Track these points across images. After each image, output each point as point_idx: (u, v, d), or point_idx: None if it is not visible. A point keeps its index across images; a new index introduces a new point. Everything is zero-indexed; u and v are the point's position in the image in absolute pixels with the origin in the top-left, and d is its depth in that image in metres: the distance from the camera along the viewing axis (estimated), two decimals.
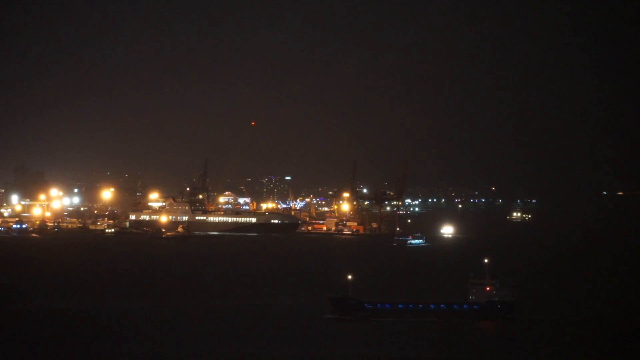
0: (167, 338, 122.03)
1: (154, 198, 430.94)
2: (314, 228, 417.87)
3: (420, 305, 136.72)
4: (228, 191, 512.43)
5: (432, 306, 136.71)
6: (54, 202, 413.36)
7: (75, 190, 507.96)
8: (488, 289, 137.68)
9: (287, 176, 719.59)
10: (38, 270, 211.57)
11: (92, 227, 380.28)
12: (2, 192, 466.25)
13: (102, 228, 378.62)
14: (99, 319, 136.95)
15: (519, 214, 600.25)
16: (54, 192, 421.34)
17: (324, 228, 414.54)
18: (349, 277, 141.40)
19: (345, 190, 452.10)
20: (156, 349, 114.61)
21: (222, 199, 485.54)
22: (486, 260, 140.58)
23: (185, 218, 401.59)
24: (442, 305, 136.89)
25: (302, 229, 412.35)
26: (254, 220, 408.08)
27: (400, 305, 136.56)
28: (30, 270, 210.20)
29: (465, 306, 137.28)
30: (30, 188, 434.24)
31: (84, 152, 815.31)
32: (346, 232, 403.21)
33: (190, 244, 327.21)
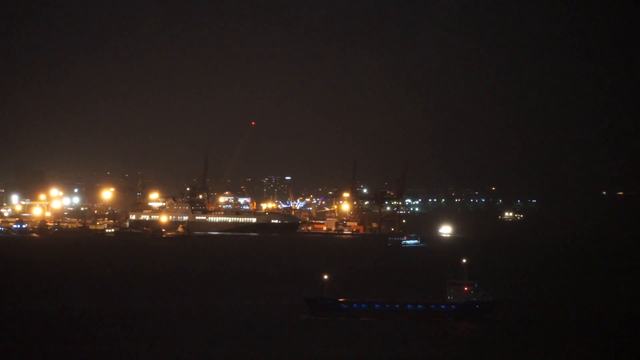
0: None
1: (154, 198, 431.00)
2: (314, 228, 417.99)
3: (397, 306, 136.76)
4: (228, 191, 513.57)
5: (409, 306, 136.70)
6: (54, 202, 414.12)
7: (75, 190, 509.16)
8: (466, 289, 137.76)
9: (287, 176, 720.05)
10: (38, 270, 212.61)
11: (92, 227, 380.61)
12: (2, 192, 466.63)
13: (102, 228, 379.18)
14: (97, 319, 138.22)
15: (511, 214, 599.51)
16: (54, 192, 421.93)
17: (324, 228, 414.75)
18: (325, 277, 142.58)
19: (345, 190, 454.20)
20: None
21: (222, 199, 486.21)
22: (464, 261, 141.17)
23: (186, 218, 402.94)
24: (419, 306, 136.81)
25: (302, 229, 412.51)
26: (254, 220, 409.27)
27: (376, 305, 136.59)
28: (30, 270, 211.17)
29: (442, 306, 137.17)
30: (30, 188, 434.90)
31: (84, 152, 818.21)
32: (346, 232, 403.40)
33: (189, 244, 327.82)
